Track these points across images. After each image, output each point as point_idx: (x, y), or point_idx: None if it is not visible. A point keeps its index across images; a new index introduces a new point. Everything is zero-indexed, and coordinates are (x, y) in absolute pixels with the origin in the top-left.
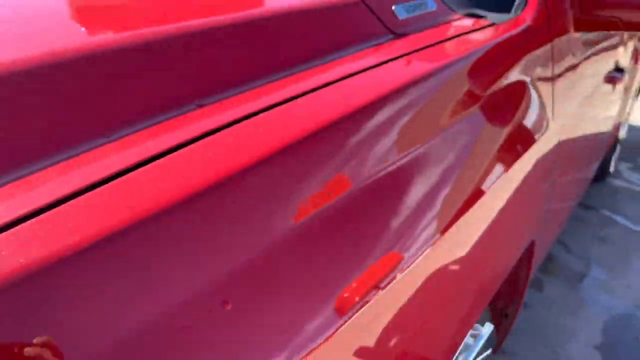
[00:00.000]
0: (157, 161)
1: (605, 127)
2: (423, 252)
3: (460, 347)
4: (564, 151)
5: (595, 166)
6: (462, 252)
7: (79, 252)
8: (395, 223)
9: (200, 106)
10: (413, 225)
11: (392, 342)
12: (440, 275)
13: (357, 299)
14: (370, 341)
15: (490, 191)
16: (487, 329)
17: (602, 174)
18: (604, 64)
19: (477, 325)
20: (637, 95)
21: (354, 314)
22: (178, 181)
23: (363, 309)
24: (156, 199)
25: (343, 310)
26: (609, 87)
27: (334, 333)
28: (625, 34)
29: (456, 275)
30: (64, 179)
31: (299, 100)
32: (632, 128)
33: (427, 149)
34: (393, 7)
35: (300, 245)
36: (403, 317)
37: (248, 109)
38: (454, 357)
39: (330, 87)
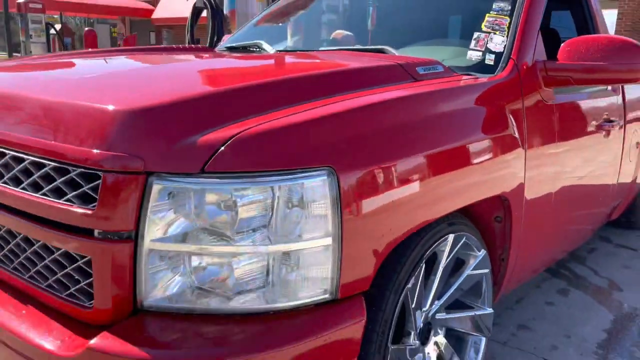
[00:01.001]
0: None
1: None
2: None
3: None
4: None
5: (593, 203)
6: None
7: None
8: None
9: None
10: None
11: None
12: None
13: None
14: None
15: None
16: (482, 252)
17: (635, 223)
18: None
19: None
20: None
21: None
22: None
23: None
24: None
25: None
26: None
27: None
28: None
29: None
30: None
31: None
32: None
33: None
34: (416, 68)
35: None
36: None
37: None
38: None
39: (388, 93)
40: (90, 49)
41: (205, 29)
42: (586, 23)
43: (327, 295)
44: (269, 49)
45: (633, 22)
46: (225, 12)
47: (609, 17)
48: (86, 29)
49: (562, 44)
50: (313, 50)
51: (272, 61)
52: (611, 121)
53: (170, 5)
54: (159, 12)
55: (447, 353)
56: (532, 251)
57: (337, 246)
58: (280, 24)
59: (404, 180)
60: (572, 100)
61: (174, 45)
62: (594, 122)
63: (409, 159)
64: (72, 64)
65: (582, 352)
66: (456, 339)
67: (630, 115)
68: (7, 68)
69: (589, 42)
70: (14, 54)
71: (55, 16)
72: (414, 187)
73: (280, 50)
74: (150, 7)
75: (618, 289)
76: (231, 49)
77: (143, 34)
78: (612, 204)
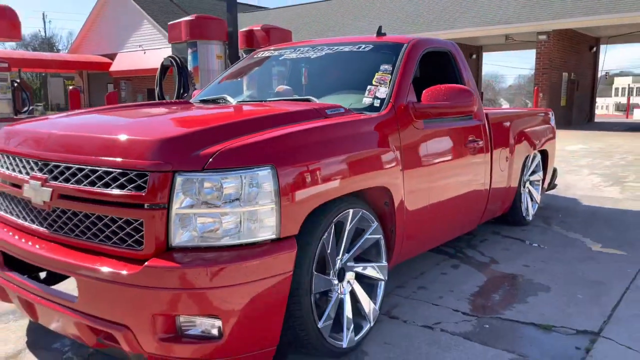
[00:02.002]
0: None
1: (468, 186)
2: None
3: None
4: (417, 193)
5: (465, 207)
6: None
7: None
8: None
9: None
10: None
11: None
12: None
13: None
14: None
15: None
16: (375, 224)
17: (519, 220)
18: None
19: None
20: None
21: None
22: None
23: None
24: None
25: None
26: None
27: None
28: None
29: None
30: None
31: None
32: (557, 198)
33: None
34: (326, 110)
35: None
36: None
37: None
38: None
39: (306, 124)
40: (114, 105)
41: (170, 82)
42: (455, 74)
43: (273, 236)
44: (232, 100)
45: (550, 60)
46: (189, 68)
47: (530, 56)
48: (70, 87)
49: (424, 90)
50: (263, 100)
51: (235, 109)
52: (476, 141)
53: (127, 59)
54: (117, 65)
55: (356, 287)
56: (414, 232)
57: (278, 208)
58: (237, 81)
59: (316, 172)
60: (439, 126)
61: (166, 100)
62: (459, 142)
63: (318, 160)
64: (113, 114)
65: (459, 298)
66: (366, 285)
67: (495, 137)
68: (74, 115)
69: (440, 89)
70: None
71: (14, 72)
72: (322, 176)
73: (239, 101)
74: (108, 60)
75: (496, 263)
76: (204, 102)
77: (101, 86)
78: (486, 204)
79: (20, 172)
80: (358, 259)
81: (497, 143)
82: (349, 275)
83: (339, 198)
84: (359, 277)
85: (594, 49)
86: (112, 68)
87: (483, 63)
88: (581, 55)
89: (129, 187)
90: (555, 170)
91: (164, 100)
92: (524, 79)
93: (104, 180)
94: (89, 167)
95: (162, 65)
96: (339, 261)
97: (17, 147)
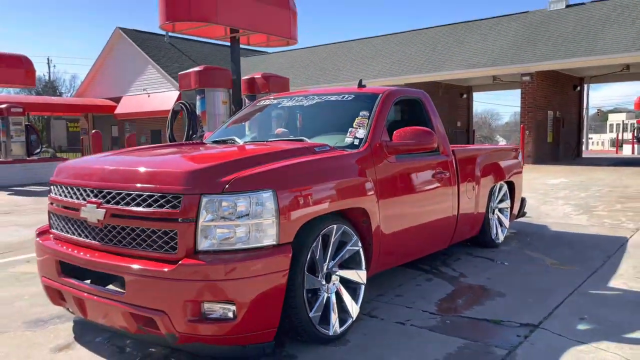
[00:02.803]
0: None
1: (435, 213)
2: None
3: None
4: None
5: (433, 234)
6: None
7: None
8: None
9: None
10: None
11: None
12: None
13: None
14: None
15: None
16: (355, 238)
17: (489, 243)
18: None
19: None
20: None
21: None
22: None
23: None
24: None
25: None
26: (432, 189)
27: None
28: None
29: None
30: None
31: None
32: (529, 225)
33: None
34: (315, 148)
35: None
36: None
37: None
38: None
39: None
40: (147, 146)
41: (178, 124)
42: (424, 117)
43: (274, 242)
44: (239, 141)
45: (534, 99)
46: (198, 112)
47: (516, 96)
48: (93, 131)
49: (395, 132)
50: (265, 140)
51: (243, 147)
52: (443, 173)
53: (131, 102)
54: (121, 108)
55: (341, 289)
56: (388, 248)
57: (277, 221)
58: (242, 125)
59: (306, 195)
60: (409, 160)
61: (184, 142)
62: (427, 173)
63: (308, 186)
64: (148, 153)
65: (429, 303)
66: (349, 287)
67: (462, 170)
68: (115, 154)
69: (407, 130)
70: None
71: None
72: (311, 198)
73: (246, 141)
74: (113, 103)
75: (464, 277)
76: (216, 142)
77: (106, 127)
78: (455, 227)
79: (77, 198)
80: (342, 265)
81: (463, 175)
82: (334, 278)
83: (324, 215)
84: (343, 281)
85: (578, 88)
86: (117, 110)
87: (479, 101)
88: (566, 94)
89: (167, 207)
90: (523, 200)
91: (183, 142)
92: (519, 116)
93: (147, 202)
94: (135, 192)
95: (173, 110)
96: (325, 266)
97: (73, 179)
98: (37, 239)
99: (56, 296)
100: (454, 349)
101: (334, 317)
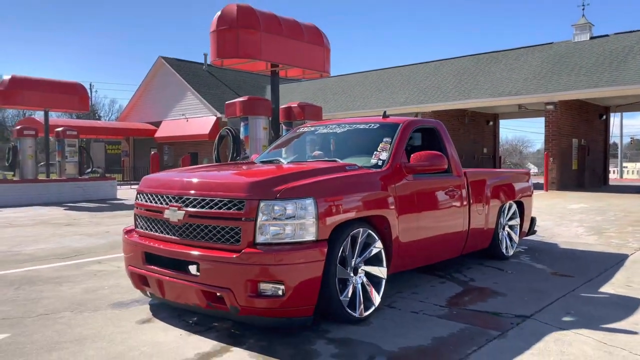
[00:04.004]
0: None
1: (447, 226)
2: None
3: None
4: (406, 230)
5: (446, 245)
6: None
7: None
8: None
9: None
10: None
11: None
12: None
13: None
14: None
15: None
16: (378, 240)
17: (498, 255)
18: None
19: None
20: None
21: None
22: None
23: None
24: None
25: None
26: (446, 205)
27: None
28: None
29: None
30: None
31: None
32: (541, 243)
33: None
34: (345, 167)
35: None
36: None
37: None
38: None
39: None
40: (207, 164)
41: (212, 147)
42: (439, 144)
43: (313, 238)
44: (283, 161)
45: (558, 127)
46: (241, 137)
47: (539, 124)
48: (152, 152)
49: (412, 155)
50: (304, 161)
51: (287, 166)
52: (455, 191)
53: (170, 126)
54: (161, 132)
55: (365, 281)
56: (406, 251)
57: (316, 222)
58: (285, 149)
59: (339, 203)
60: (424, 179)
61: (238, 162)
62: (441, 191)
63: (340, 196)
64: (215, 169)
65: (440, 299)
66: (373, 280)
67: (473, 190)
68: (189, 170)
69: (423, 154)
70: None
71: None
72: (343, 206)
73: (289, 162)
74: (153, 127)
75: (473, 281)
76: (264, 162)
77: (145, 150)
78: (466, 239)
79: (161, 203)
80: (367, 262)
81: (474, 194)
82: (361, 272)
83: (353, 220)
84: (368, 275)
85: (604, 116)
86: (157, 134)
87: (510, 128)
88: (591, 123)
89: (233, 209)
90: (533, 219)
91: (236, 162)
92: None
93: (217, 205)
94: (209, 198)
95: (220, 135)
96: (353, 261)
97: (157, 189)
98: (125, 236)
99: (139, 281)
100: (456, 330)
101: (360, 303)
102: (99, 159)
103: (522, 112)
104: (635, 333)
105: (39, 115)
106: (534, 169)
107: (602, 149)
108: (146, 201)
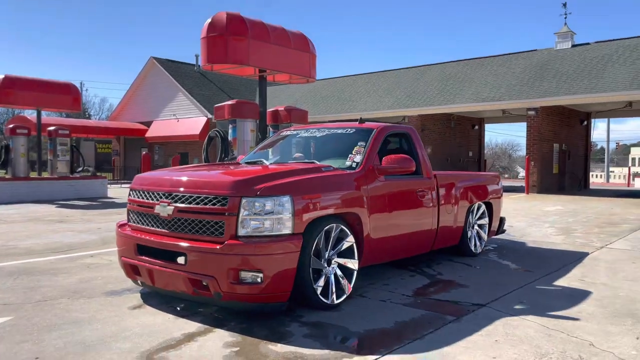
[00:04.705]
0: None
1: (416, 223)
2: None
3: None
4: (377, 227)
5: (414, 241)
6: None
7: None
8: None
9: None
10: None
11: None
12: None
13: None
14: None
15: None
16: (350, 235)
17: (467, 252)
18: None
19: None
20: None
21: None
22: None
23: None
24: None
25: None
26: (415, 205)
27: None
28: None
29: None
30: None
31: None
32: (511, 242)
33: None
34: (322, 168)
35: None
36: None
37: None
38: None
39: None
40: (195, 164)
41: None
42: (411, 148)
43: (290, 232)
44: (266, 162)
45: (540, 132)
46: (229, 139)
47: (515, 129)
48: (143, 152)
49: (384, 157)
50: (285, 162)
51: (269, 166)
52: (425, 192)
53: (161, 126)
54: (152, 132)
55: (338, 272)
56: (377, 245)
57: (292, 217)
58: (268, 150)
59: (314, 201)
60: (395, 180)
61: (225, 162)
62: (411, 192)
63: (316, 194)
64: (202, 169)
65: (408, 290)
66: (345, 271)
67: (442, 190)
68: (178, 170)
69: (393, 157)
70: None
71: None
72: (318, 203)
73: (271, 162)
74: (144, 127)
75: (440, 275)
76: (249, 163)
77: (135, 149)
78: (435, 236)
79: (152, 199)
80: (340, 255)
81: (443, 195)
82: (334, 263)
83: (327, 216)
84: (341, 266)
85: (585, 122)
86: (148, 134)
87: (498, 132)
88: (572, 128)
89: (217, 205)
90: (502, 219)
91: (223, 162)
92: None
93: (204, 201)
94: (195, 195)
95: (209, 136)
96: (327, 254)
97: (148, 186)
98: (118, 229)
99: (131, 271)
100: (418, 315)
101: (332, 292)
102: (88, 158)
103: (507, 116)
104: (577, 319)
105: (29, 113)
106: (522, 172)
107: (583, 153)
108: (138, 197)
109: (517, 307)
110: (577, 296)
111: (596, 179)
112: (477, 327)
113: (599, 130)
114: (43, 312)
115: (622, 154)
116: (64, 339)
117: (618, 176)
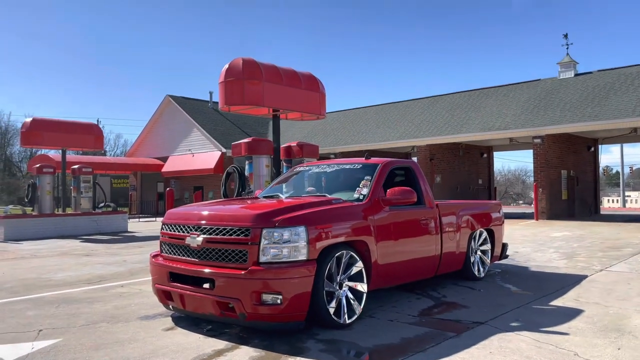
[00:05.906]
0: None
1: (421, 250)
2: None
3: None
4: (384, 251)
5: (421, 263)
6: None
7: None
8: None
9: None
10: None
11: None
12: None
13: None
14: None
15: None
16: (359, 261)
17: (471, 276)
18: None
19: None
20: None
21: None
22: None
23: None
24: None
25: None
26: (420, 233)
27: None
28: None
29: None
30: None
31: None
32: (514, 266)
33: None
34: (332, 200)
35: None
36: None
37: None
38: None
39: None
40: (215, 200)
41: (217, 180)
42: (414, 181)
43: (305, 258)
44: (282, 196)
45: (546, 159)
46: (246, 174)
47: (527, 156)
48: (168, 189)
49: (388, 189)
50: (299, 196)
51: (285, 200)
52: (428, 220)
53: (177, 161)
54: (168, 167)
55: (349, 294)
56: (384, 270)
57: (307, 245)
58: (284, 185)
59: (327, 230)
60: (400, 210)
61: (244, 196)
62: (415, 220)
63: (328, 225)
64: (225, 204)
65: (414, 311)
66: (356, 294)
67: (444, 219)
68: (205, 204)
69: (396, 189)
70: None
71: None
72: (330, 232)
73: (287, 196)
74: (160, 162)
75: (445, 297)
76: (266, 197)
77: (151, 184)
78: (439, 261)
79: (183, 231)
80: (350, 279)
81: (445, 223)
82: (345, 287)
83: (338, 244)
84: (352, 289)
85: (592, 148)
86: (164, 169)
87: (510, 159)
88: (579, 154)
89: (241, 235)
90: (505, 245)
91: (242, 197)
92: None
93: (229, 233)
94: (222, 227)
95: (227, 172)
96: (339, 277)
97: (179, 220)
98: (152, 259)
99: (164, 296)
100: (421, 332)
101: (344, 312)
102: (105, 193)
103: (514, 144)
104: (567, 334)
105: (50, 152)
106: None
107: (591, 179)
108: (170, 230)
109: (513, 324)
110: (570, 314)
111: (612, 203)
112: (475, 341)
113: (613, 155)
114: (88, 334)
115: (637, 178)
116: (110, 356)
117: (635, 200)
